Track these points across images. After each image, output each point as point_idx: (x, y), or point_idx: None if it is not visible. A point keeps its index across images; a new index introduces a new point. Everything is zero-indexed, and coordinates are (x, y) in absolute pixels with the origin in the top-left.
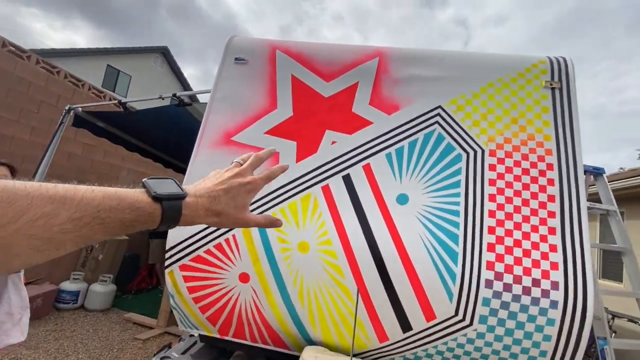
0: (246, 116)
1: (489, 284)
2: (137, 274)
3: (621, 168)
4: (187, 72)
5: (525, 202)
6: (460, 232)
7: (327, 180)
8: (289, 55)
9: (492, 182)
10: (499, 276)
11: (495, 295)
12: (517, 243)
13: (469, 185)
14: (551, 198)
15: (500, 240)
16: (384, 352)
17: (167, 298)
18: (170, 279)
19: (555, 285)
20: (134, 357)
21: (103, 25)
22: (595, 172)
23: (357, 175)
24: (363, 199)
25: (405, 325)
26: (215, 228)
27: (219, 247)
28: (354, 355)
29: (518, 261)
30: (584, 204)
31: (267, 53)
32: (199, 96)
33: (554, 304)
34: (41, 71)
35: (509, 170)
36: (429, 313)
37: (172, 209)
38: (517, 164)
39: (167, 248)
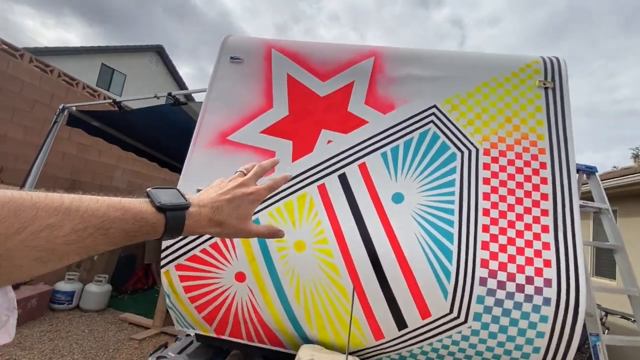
0: (242, 115)
1: (483, 281)
2: (132, 274)
3: (614, 167)
4: (183, 70)
5: (519, 201)
6: (455, 231)
7: (323, 179)
8: (285, 54)
9: (487, 181)
10: (493, 274)
11: (490, 292)
12: (511, 241)
13: (463, 184)
14: (544, 196)
15: (494, 238)
16: (380, 349)
17: (163, 298)
18: (166, 278)
19: (548, 283)
20: (130, 357)
21: (96, 23)
22: (588, 171)
23: (353, 174)
24: (359, 198)
25: (401, 323)
26: None
27: (214, 246)
28: (350, 353)
29: (512, 259)
30: (577, 202)
31: (263, 52)
32: (194, 95)
33: (547, 301)
34: (34, 70)
35: (502, 169)
36: (424, 311)
37: (175, 219)
38: (510, 162)
39: (162, 248)
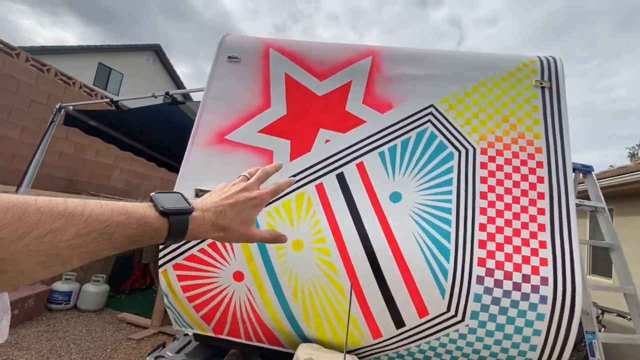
0: (240, 115)
1: (480, 280)
2: (130, 273)
3: (611, 166)
4: (180, 70)
5: (516, 200)
6: (452, 229)
7: (321, 178)
8: (283, 53)
9: (484, 180)
10: (490, 272)
11: (487, 291)
12: (508, 240)
13: (460, 183)
14: (541, 195)
15: (491, 237)
16: (378, 348)
17: (161, 297)
18: (164, 278)
19: (544, 281)
20: (128, 357)
21: (93, 22)
22: (585, 170)
23: (351, 173)
24: (357, 197)
25: (399, 321)
26: None
27: (212, 245)
28: (348, 352)
29: (508, 257)
30: (573, 201)
31: (261, 52)
32: (192, 94)
33: (543, 299)
34: (31, 69)
35: (499, 168)
36: (421, 309)
37: (178, 224)
38: (507, 162)
39: (160, 247)
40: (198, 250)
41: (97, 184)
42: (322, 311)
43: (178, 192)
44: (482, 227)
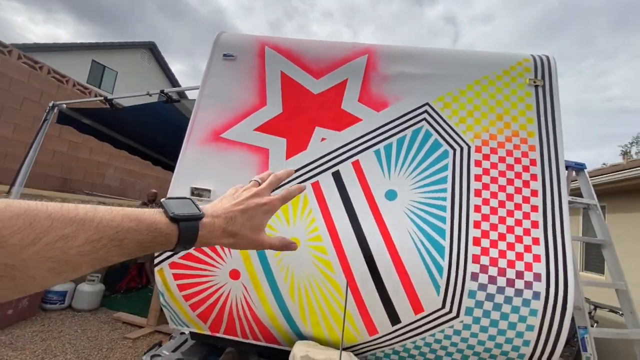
0: (235, 113)
1: (474, 276)
2: (126, 273)
3: (604, 164)
4: (175, 67)
5: (510, 197)
6: (447, 227)
7: (317, 176)
8: (278, 51)
9: (478, 178)
10: (484, 269)
11: (481, 287)
12: (502, 237)
13: (455, 181)
14: (534, 193)
15: (485, 234)
16: (374, 345)
17: (157, 296)
18: (160, 277)
19: (537, 277)
20: (124, 357)
21: (87, 19)
22: (577, 168)
23: (347, 171)
24: (352, 195)
25: (394, 318)
26: None
27: None
28: (344, 349)
29: (502, 254)
30: (566, 198)
31: (256, 49)
32: (187, 92)
33: (536, 295)
34: (23, 67)
35: (494, 166)
36: (417, 306)
37: (188, 230)
38: (501, 160)
39: None
40: (194, 249)
41: (91, 182)
42: (318, 308)
43: (188, 198)
44: (477, 224)
